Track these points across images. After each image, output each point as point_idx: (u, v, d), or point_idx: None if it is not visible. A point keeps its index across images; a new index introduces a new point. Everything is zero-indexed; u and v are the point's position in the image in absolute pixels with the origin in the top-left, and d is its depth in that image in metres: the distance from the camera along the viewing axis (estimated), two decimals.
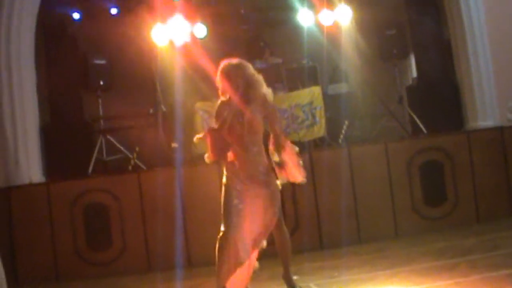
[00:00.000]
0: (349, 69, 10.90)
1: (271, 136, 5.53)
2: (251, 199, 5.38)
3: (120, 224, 8.06)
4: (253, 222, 5.38)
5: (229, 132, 5.35)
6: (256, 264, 5.60)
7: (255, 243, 5.43)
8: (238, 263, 5.34)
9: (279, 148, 5.47)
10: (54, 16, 10.11)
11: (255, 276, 6.22)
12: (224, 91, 5.41)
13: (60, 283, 7.90)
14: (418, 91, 10.48)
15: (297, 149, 5.62)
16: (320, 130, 9.33)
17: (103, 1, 10.97)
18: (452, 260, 6.59)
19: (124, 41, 10.18)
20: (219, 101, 5.45)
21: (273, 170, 5.52)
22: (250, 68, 5.47)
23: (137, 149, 9.51)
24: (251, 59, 11.20)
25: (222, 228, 5.35)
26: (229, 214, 5.32)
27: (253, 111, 5.36)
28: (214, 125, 5.37)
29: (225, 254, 5.26)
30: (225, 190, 5.43)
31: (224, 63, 5.42)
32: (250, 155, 5.37)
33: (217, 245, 5.32)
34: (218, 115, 5.36)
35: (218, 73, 5.40)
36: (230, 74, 5.36)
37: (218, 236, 5.34)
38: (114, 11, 10.77)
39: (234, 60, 5.44)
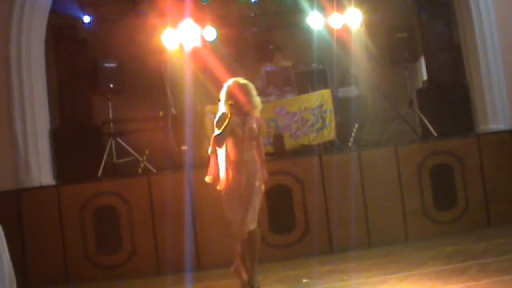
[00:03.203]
0: (359, 72, 10.89)
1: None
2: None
3: (130, 227, 8.08)
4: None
5: (231, 137, 6.16)
6: None
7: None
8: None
9: (261, 156, 6.37)
10: (65, 19, 10.12)
11: (263, 278, 6.25)
12: (231, 101, 6.15)
13: (70, 286, 7.91)
14: (428, 94, 10.45)
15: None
16: (330, 133, 9.32)
17: (113, 4, 10.98)
18: (463, 264, 6.57)
19: (134, 45, 10.20)
20: (220, 112, 6.20)
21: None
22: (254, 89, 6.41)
23: (146, 152, 9.51)
24: (260, 62, 11.30)
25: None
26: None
27: (252, 119, 6.30)
28: (216, 131, 6.12)
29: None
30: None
31: (234, 80, 6.33)
32: (246, 158, 6.19)
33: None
34: (219, 124, 6.15)
35: (231, 86, 6.26)
36: (242, 88, 6.27)
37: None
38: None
39: (242, 80, 6.36)
